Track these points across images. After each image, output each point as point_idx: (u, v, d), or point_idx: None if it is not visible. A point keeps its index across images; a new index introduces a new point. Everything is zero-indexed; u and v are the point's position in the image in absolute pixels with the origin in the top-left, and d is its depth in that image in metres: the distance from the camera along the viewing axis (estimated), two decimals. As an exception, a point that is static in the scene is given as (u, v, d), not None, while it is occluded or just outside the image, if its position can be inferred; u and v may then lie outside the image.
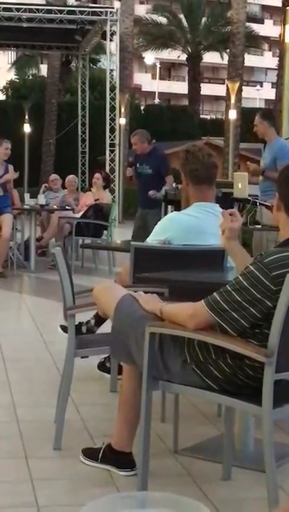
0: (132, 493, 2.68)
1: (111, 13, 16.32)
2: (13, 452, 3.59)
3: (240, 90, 21.96)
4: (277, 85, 22.04)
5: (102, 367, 4.97)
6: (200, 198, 4.14)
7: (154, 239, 4.30)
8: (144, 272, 4.02)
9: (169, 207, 10.05)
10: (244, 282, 2.80)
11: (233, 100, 20.95)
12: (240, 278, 2.83)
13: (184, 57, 34.75)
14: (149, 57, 40.08)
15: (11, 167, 9.62)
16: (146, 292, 3.34)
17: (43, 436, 3.75)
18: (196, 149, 4.11)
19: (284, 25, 12.41)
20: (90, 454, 3.44)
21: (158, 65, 45.95)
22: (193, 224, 4.12)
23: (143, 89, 47.67)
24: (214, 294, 2.87)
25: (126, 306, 3.23)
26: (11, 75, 37.59)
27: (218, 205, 4.21)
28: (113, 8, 17.69)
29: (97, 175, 11.27)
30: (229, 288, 2.84)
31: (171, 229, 4.19)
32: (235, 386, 2.93)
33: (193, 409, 4.24)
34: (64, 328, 4.83)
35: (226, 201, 7.33)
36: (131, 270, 4.35)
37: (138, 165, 9.37)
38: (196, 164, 4.07)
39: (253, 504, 3.16)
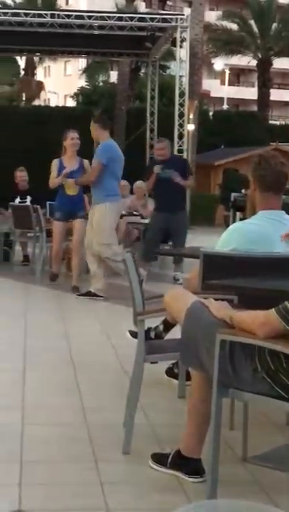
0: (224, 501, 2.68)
1: (181, 19, 16.33)
2: (83, 456, 3.64)
3: (310, 96, 21.69)
4: None
5: (171, 372, 4.98)
6: (266, 205, 4.08)
7: (219, 250, 4.29)
8: (213, 278, 4.02)
9: (238, 214, 10.05)
10: (317, 291, 2.78)
11: (303, 106, 20.70)
12: (313, 287, 2.81)
13: (253, 62, 34.54)
14: (219, 63, 39.96)
15: (86, 162, 9.18)
16: (216, 299, 3.34)
17: (112, 441, 3.79)
18: (270, 155, 4.05)
19: None
20: (159, 459, 3.46)
21: (227, 71, 45.78)
22: (258, 233, 4.07)
23: (212, 95, 47.55)
24: (285, 302, 2.85)
25: (196, 313, 3.24)
26: (82, 82, 38.00)
27: (284, 212, 4.16)
28: (183, 14, 17.71)
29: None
30: (301, 297, 2.82)
31: (234, 239, 4.15)
32: (306, 395, 2.91)
33: (262, 418, 4.22)
34: (133, 334, 4.86)
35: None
36: (200, 277, 4.35)
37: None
38: (266, 170, 4.00)
39: None
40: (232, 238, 4.17)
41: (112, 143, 8.57)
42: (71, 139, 9.15)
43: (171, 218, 9.73)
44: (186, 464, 3.35)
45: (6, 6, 31.16)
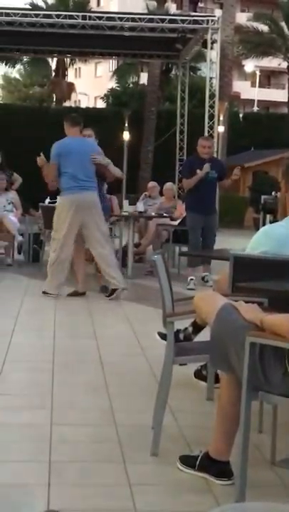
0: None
1: (212, 21, 16.28)
2: (111, 456, 3.64)
3: None
4: None
5: (199, 375, 4.98)
6: None
7: (250, 252, 4.28)
8: (243, 281, 4.01)
9: (268, 216, 10.01)
10: None
11: None
12: None
13: (284, 64, 34.40)
14: (249, 64, 39.86)
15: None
16: (246, 302, 3.34)
17: (141, 442, 3.79)
18: None
19: None
20: (188, 461, 3.46)
21: (258, 73, 45.62)
22: (288, 235, 4.06)
23: (242, 97, 47.43)
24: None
25: (226, 315, 3.24)
26: (112, 84, 38.11)
27: None
28: (215, 16, 17.67)
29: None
30: None
31: (265, 242, 4.13)
32: None
33: (290, 421, 4.19)
34: (162, 335, 4.86)
35: None
36: (230, 279, 4.34)
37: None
38: None
39: None
40: (262, 241, 4.16)
41: (61, 140, 8.47)
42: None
43: (207, 219, 9.71)
44: (214, 466, 3.35)
45: (37, 7, 31.37)
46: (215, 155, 17.02)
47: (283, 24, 33.77)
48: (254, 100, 45.61)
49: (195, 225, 9.73)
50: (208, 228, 9.77)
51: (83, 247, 8.77)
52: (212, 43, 16.72)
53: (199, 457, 3.41)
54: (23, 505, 3.10)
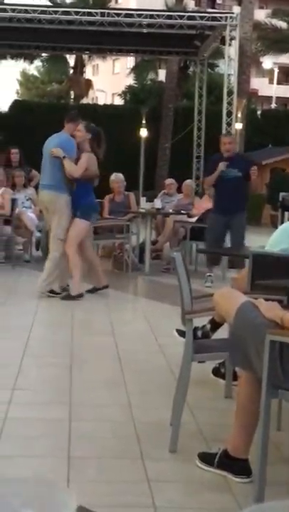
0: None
1: (231, 18, 16.22)
2: (129, 452, 3.65)
3: None
4: None
5: (217, 372, 4.98)
6: None
7: (269, 250, 4.27)
8: (262, 278, 4.01)
9: (286, 213, 9.94)
10: None
11: None
12: None
13: (303, 61, 34.28)
14: (267, 61, 39.71)
15: (83, 156, 8.13)
16: (266, 299, 3.33)
17: (159, 438, 3.79)
18: None
19: None
20: (206, 458, 3.46)
21: (276, 70, 45.45)
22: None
23: (260, 94, 47.27)
24: None
25: (246, 313, 3.23)
26: (130, 80, 38.10)
27: None
28: (233, 13, 17.61)
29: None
30: None
31: (285, 239, 4.14)
32: None
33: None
34: (180, 333, 4.86)
35: None
36: (249, 277, 4.34)
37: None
38: None
39: None
40: (282, 238, 4.15)
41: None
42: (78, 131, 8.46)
43: (231, 220, 9.19)
44: (233, 464, 3.35)
45: (57, 4, 31.40)
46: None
47: (302, 21, 33.62)
48: (272, 97, 45.45)
49: (212, 226, 9.35)
50: (232, 229, 9.26)
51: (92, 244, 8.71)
52: (230, 39, 16.65)
53: (218, 455, 3.41)
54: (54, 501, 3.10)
